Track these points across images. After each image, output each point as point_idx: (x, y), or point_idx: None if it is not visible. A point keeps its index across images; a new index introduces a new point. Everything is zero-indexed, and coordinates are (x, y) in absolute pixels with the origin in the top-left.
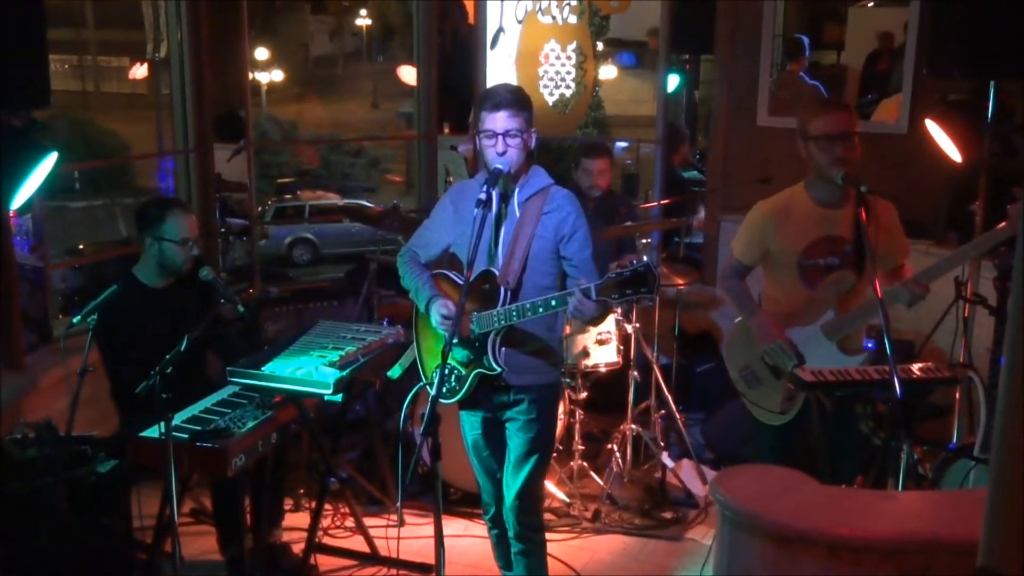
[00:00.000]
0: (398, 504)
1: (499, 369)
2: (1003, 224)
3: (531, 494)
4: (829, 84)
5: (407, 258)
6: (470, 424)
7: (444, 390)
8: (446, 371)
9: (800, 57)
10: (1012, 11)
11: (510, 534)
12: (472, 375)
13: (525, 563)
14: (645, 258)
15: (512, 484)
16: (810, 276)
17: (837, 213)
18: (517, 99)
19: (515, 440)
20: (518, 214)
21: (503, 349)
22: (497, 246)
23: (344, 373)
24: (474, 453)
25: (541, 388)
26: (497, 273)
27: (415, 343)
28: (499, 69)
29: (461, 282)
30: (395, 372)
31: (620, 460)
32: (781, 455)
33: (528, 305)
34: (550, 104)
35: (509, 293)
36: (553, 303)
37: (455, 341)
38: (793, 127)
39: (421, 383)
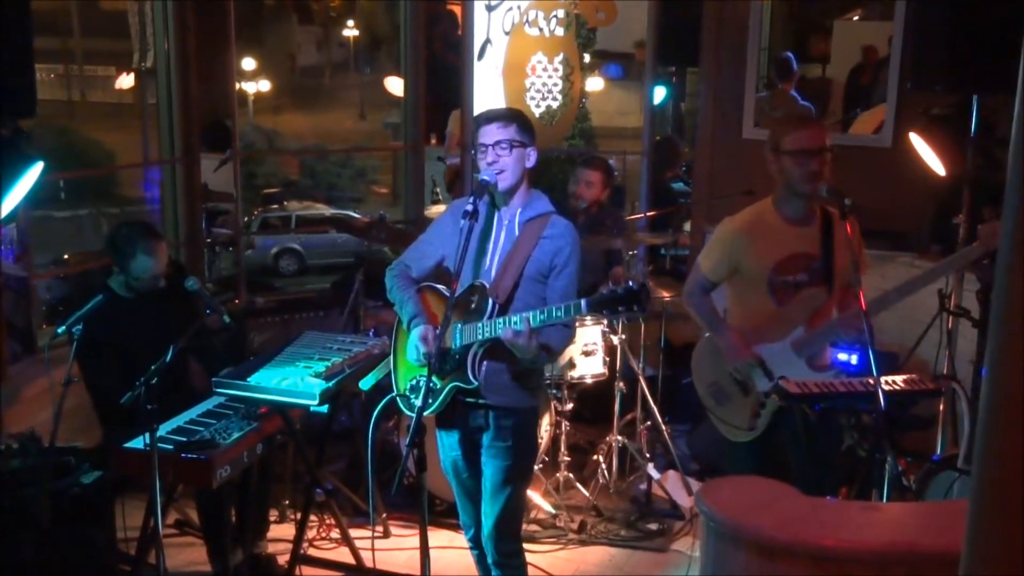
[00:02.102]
0: (383, 515)
1: (476, 383)
2: (975, 244)
3: (509, 523)
4: (815, 98)
5: (396, 272)
6: (448, 446)
7: (416, 401)
8: (420, 384)
9: (790, 76)
10: (995, 26)
11: (489, 560)
12: (447, 388)
13: None
14: (641, 278)
15: (489, 513)
16: (780, 293)
17: (806, 230)
18: (508, 114)
19: (490, 467)
20: (517, 233)
21: (484, 364)
22: (485, 258)
23: (330, 384)
24: (453, 475)
25: (519, 412)
26: (487, 286)
27: (392, 355)
28: (486, 81)
29: (448, 294)
30: (366, 383)
31: (606, 471)
32: (754, 471)
33: (516, 318)
34: (537, 116)
35: (498, 307)
36: (542, 316)
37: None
38: None
39: (391, 395)
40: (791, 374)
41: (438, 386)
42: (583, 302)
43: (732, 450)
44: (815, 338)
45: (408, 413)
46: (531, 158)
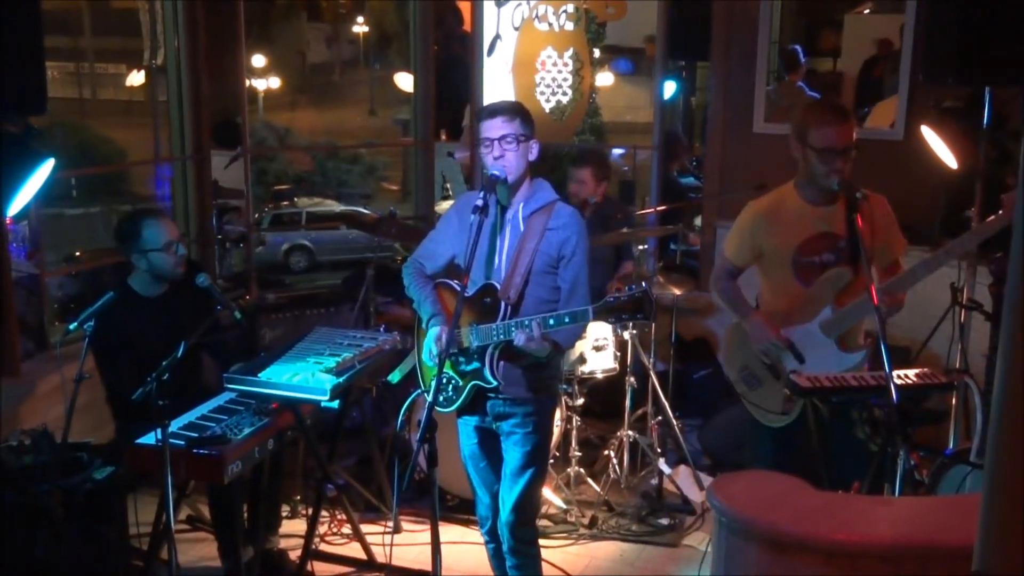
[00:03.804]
0: (394, 511)
1: (496, 383)
2: (1000, 212)
3: (527, 508)
4: (825, 91)
5: (412, 269)
6: (466, 435)
7: (441, 399)
8: (444, 380)
9: (797, 68)
10: (1007, 18)
11: (504, 548)
12: (469, 386)
13: None
14: (644, 283)
15: (508, 498)
16: (805, 274)
17: (829, 210)
18: (512, 107)
19: (511, 453)
20: (522, 228)
21: (501, 363)
22: (496, 256)
23: (341, 380)
24: (471, 464)
25: (537, 401)
26: (498, 287)
27: (416, 350)
28: (496, 76)
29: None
30: (395, 377)
31: (617, 466)
32: (780, 457)
33: (527, 322)
34: (547, 111)
35: (510, 308)
36: (552, 322)
37: (454, 351)
38: (790, 134)
39: (418, 390)
40: (820, 355)
41: (460, 384)
42: (589, 309)
43: (759, 435)
44: (843, 317)
45: (438, 410)
46: (534, 151)
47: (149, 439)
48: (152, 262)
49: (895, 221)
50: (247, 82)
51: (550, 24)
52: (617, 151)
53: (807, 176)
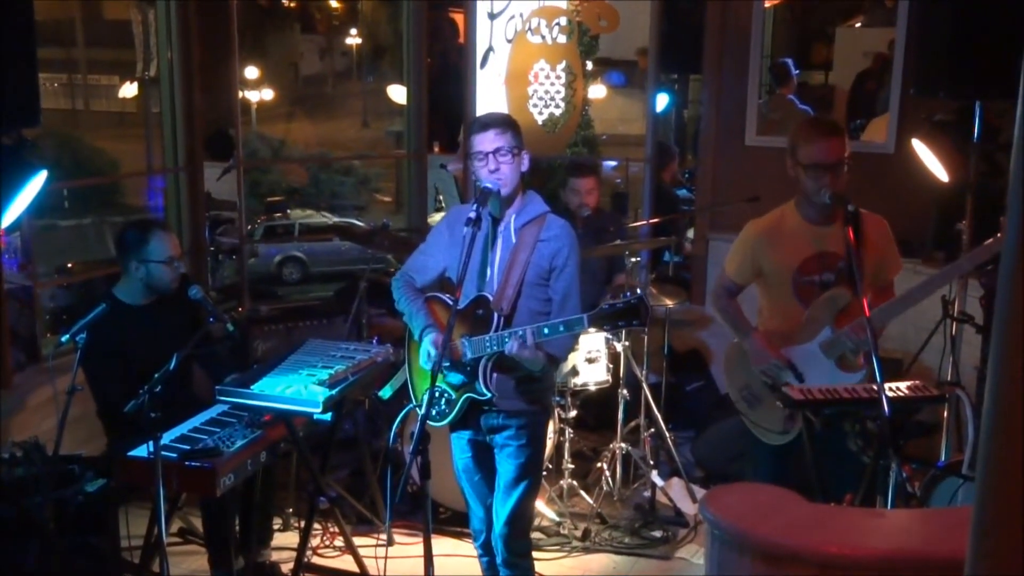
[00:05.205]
0: (387, 523)
1: (489, 395)
2: (999, 236)
3: (521, 520)
4: (817, 105)
5: (402, 282)
6: (460, 448)
7: (434, 412)
8: (436, 394)
9: (788, 81)
10: (998, 31)
11: (498, 560)
12: (462, 399)
13: None
14: (639, 290)
15: (501, 511)
16: (805, 293)
17: (828, 230)
18: (503, 119)
19: (504, 466)
20: (514, 239)
21: (494, 375)
22: (488, 268)
23: (333, 392)
24: (465, 478)
25: (530, 413)
26: (491, 299)
27: (406, 365)
28: (489, 88)
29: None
30: (386, 392)
31: (610, 479)
32: (779, 475)
33: (520, 332)
34: (539, 123)
35: (502, 319)
36: (546, 331)
37: (446, 364)
38: (782, 147)
39: (411, 404)
40: (820, 375)
41: (453, 397)
42: (585, 317)
43: (758, 452)
44: (842, 338)
45: (431, 424)
46: (525, 162)
47: (141, 451)
48: (151, 272)
49: (893, 243)
50: (240, 93)
51: (543, 37)
52: (609, 163)
53: (804, 194)
